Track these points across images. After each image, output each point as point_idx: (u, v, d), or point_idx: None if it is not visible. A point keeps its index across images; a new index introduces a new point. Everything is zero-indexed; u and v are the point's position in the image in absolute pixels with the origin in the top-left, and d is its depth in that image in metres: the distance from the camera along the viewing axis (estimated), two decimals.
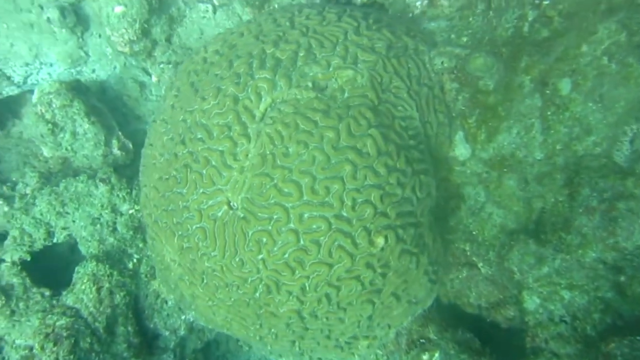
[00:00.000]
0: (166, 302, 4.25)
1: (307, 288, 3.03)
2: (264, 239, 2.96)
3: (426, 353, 3.43)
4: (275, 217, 2.93)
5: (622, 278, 3.31)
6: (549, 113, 3.52)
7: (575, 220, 3.42)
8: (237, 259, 3.04)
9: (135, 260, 4.17)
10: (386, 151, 2.97)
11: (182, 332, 4.29)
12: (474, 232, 3.61)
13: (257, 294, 3.11)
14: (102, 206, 4.13)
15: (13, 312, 4.08)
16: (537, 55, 3.42)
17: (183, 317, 4.27)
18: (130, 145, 4.36)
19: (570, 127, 3.53)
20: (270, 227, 2.94)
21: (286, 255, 2.97)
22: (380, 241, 2.98)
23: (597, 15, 3.44)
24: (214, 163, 3.02)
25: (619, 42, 3.44)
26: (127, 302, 4.09)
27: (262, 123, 3.00)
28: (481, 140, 3.51)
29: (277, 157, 2.92)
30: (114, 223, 4.16)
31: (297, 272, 2.99)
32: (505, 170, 3.52)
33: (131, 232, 4.16)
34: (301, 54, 3.09)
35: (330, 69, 3.06)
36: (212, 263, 3.12)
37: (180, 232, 3.21)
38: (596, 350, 3.16)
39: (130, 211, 4.15)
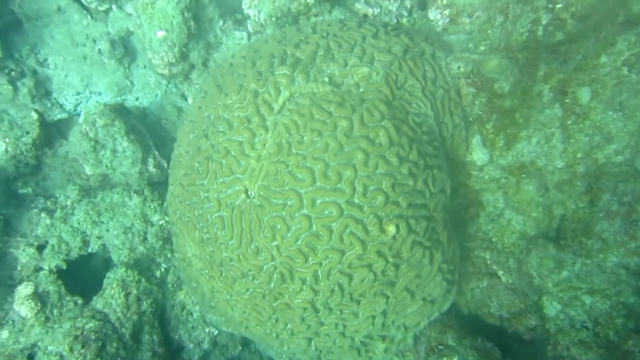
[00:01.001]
0: (191, 314, 4.32)
1: (320, 276, 3.07)
2: (278, 225, 3.05)
3: (444, 359, 3.37)
4: (289, 202, 3.02)
5: None
6: (569, 122, 3.56)
7: (596, 225, 3.39)
8: (252, 247, 3.13)
9: (162, 270, 4.29)
10: (398, 142, 3.06)
11: (206, 346, 4.33)
12: (493, 239, 3.60)
13: (272, 284, 3.17)
14: (134, 216, 4.31)
15: (47, 319, 4.22)
16: (555, 64, 3.50)
17: (207, 330, 4.33)
18: (165, 165, 4.57)
19: (591, 135, 3.55)
20: (284, 213, 3.03)
21: (299, 242, 3.04)
22: (391, 229, 3.02)
23: (616, 26, 3.52)
24: (233, 153, 3.17)
25: (639, 54, 3.50)
26: (154, 311, 4.18)
27: (280, 115, 3.15)
28: (499, 147, 3.56)
29: (293, 145, 3.05)
30: (145, 233, 4.32)
31: (309, 258, 3.05)
32: (524, 176, 3.54)
33: (160, 242, 4.30)
34: (320, 53, 3.27)
35: (347, 67, 3.22)
36: (230, 252, 3.21)
37: (200, 224, 3.32)
38: (617, 351, 3.06)
39: (161, 222, 4.31)
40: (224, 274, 3.32)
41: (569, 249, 3.38)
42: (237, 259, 3.20)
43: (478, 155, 3.51)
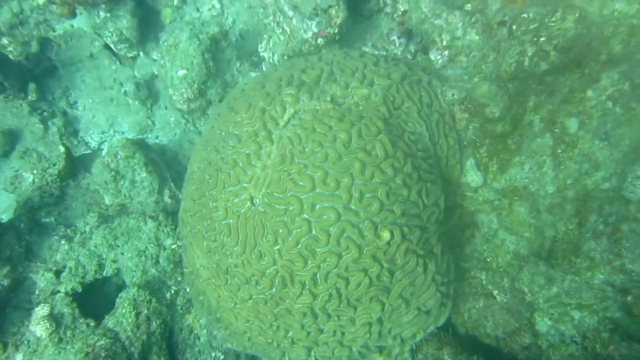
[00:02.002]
0: (199, 339, 4.45)
1: (319, 279, 3.24)
2: (280, 230, 3.25)
3: None
4: (290, 207, 3.24)
5: (629, 298, 3.34)
6: (559, 150, 3.77)
7: (584, 245, 3.54)
8: (256, 251, 3.32)
9: (172, 292, 4.47)
10: (393, 155, 3.30)
11: None
12: (488, 259, 3.75)
13: (274, 289, 3.34)
14: (148, 240, 4.53)
15: (60, 340, 4.38)
16: (544, 95, 3.76)
17: (213, 354, 4.44)
18: (180, 196, 4.83)
19: (580, 163, 3.75)
20: (285, 218, 3.24)
21: (299, 245, 3.23)
22: (385, 235, 3.21)
23: (599, 64, 3.79)
24: (240, 164, 3.43)
25: (622, 90, 3.75)
26: (162, 332, 4.33)
27: (285, 129, 3.42)
28: (493, 171, 3.77)
29: (295, 155, 3.30)
30: (157, 256, 4.53)
31: (309, 261, 3.23)
32: (516, 198, 3.73)
33: (172, 266, 4.50)
34: (324, 77, 3.57)
35: (348, 89, 3.50)
36: (235, 258, 3.41)
37: (208, 233, 3.54)
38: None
39: (173, 246, 4.53)
40: (229, 282, 3.50)
41: (558, 267, 3.52)
42: (241, 265, 3.39)
43: (472, 177, 3.72)
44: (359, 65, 3.65)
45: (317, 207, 3.22)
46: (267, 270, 3.33)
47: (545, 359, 3.45)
